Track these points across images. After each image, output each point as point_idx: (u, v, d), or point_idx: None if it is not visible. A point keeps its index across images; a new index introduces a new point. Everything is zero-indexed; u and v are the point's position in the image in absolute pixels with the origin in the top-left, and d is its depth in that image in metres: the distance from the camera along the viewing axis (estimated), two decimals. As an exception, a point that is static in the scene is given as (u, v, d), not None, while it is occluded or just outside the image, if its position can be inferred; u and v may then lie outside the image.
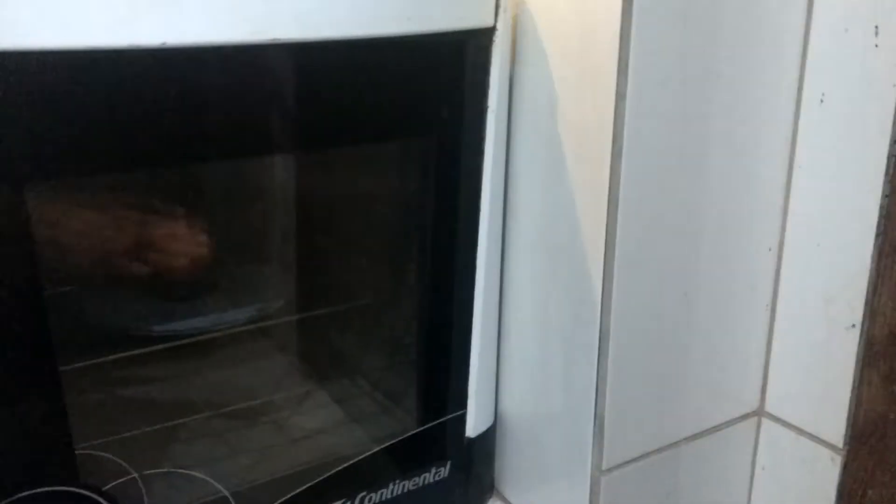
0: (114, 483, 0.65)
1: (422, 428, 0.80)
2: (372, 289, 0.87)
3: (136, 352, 0.70)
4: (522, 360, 0.81)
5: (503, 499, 0.87)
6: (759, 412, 0.83)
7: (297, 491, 0.73)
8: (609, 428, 0.71)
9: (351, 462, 0.76)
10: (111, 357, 0.68)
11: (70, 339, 0.61)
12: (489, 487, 0.88)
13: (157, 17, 0.50)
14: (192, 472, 0.71)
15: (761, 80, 0.71)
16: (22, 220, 0.53)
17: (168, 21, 0.51)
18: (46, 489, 0.61)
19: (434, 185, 0.71)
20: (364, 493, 0.77)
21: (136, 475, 0.67)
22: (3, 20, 0.47)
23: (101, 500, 0.64)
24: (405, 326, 0.83)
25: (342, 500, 0.76)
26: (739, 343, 0.79)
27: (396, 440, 0.79)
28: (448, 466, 0.81)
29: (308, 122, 0.62)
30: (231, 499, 0.71)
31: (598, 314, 0.69)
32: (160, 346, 0.71)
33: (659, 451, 0.77)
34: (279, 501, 0.72)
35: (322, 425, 0.84)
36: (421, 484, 0.81)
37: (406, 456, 0.79)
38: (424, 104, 0.67)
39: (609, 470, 0.74)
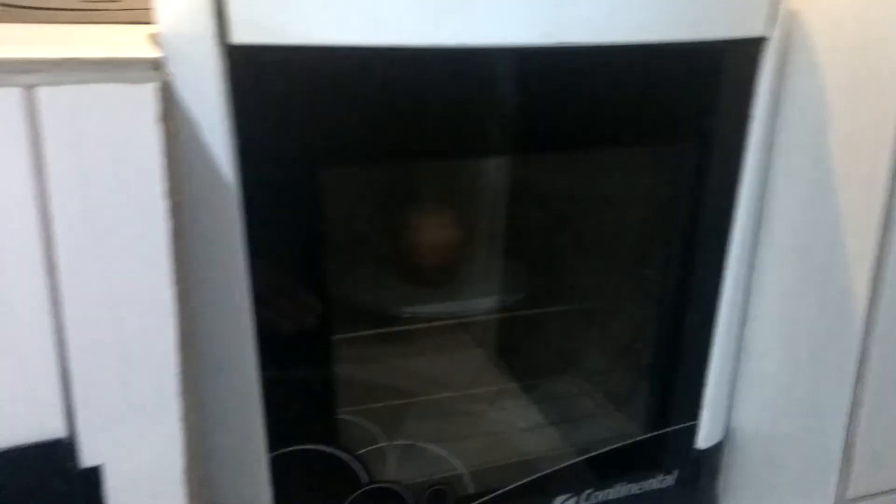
0: (364, 449, 0.70)
1: (650, 434, 0.80)
2: (607, 290, 0.88)
3: (391, 329, 0.75)
4: (762, 375, 0.79)
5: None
6: None
7: (527, 480, 0.75)
8: (859, 455, 0.68)
9: (579, 459, 0.77)
10: (369, 332, 0.73)
11: (339, 312, 0.66)
12: (713, 501, 0.86)
13: (457, 19, 0.54)
14: (434, 447, 0.75)
15: None
16: (316, 200, 0.58)
17: (466, 23, 0.54)
18: (310, 447, 0.66)
19: (689, 191, 0.71)
20: (590, 490, 0.78)
21: (385, 444, 0.72)
22: (324, 19, 0.52)
23: (354, 462, 0.69)
24: (637, 331, 0.83)
25: (569, 494, 0.77)
26: None
27: (624, 443, 0.79)
28: (675, 475, 0.81)
29: (581, 123, 0.64)
30: (467, 477, 0.74)
31: (859, 337, 0.66)
32: (413, 326, 0.75)
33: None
34: (510, 487, 0.75)
35: (543, 420, 0.85)
36: (646, 489, 0.81)
37: (633, 460, 0.80)
38: (691, 110, 0.67)
39: (854, 500, 0.70)
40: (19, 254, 0.44)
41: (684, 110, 0.67)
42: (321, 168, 0.57)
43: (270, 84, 0.53)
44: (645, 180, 0.78)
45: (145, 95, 0.44)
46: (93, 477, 0.50)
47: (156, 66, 0.45)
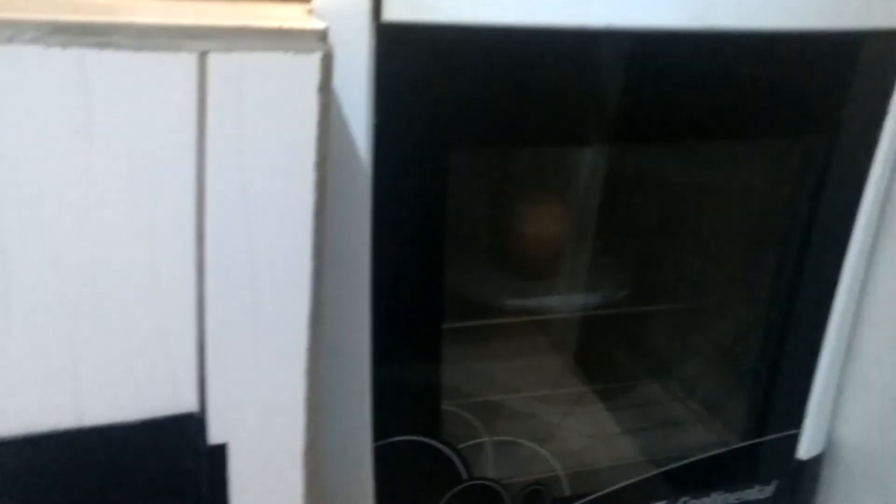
0: (465, 444, 0.69)
1: (749, 442, 0.77)
2: (711, 290, 0.86)
3: (495, 321, 0.73)
4: (872, 383, 0.76)
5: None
6: None
7: (622, 485, 0.74)
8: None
9: (674, 466, 0.75)
10: (476, 323, 0.72)
11: (450, 301, 0.65)
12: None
13: (605, 1, 0.53)
14: (532, 446, 0.73)
15: None
16: (444, 184, 0.57)
17: (614, 5, 0.53)
18: (414, 438, 0.65)
19: (812, 187, 0.69)
20: (686, 499, 0.76)
21: (485, 439, 0.70)
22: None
23: (454, 456, 0.67)
24: (740, 333, 0.81)
25: (664, 501, 0.75)
26: None
27: (721, 451, 0.77)
28: (774, 486, 0.78)
29: (718, 111, 0.62)
30: (564, 479, 0.72)
31: None
32: (516, 320, 0.73)
33: None
34: (605, 491, 0.73)
35: (637, 424, 0.83)
36: (743, 500, 0.78)
37: (730, 469, 0.77)
38: (826, 102, 0.65)
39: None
40: (173, 222, 0.44)
41: (819, 102, 0.65)
42: (453, 150, 0.56)
43: (416, 62, 0.53)
44: (765, 174, 0.75)
45: (311, 65, 0.43)
46: (219, 454, 0.49)
47: (322, 37, 0.44)
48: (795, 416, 0.77)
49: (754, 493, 0.78)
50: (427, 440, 0.65)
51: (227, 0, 0.58)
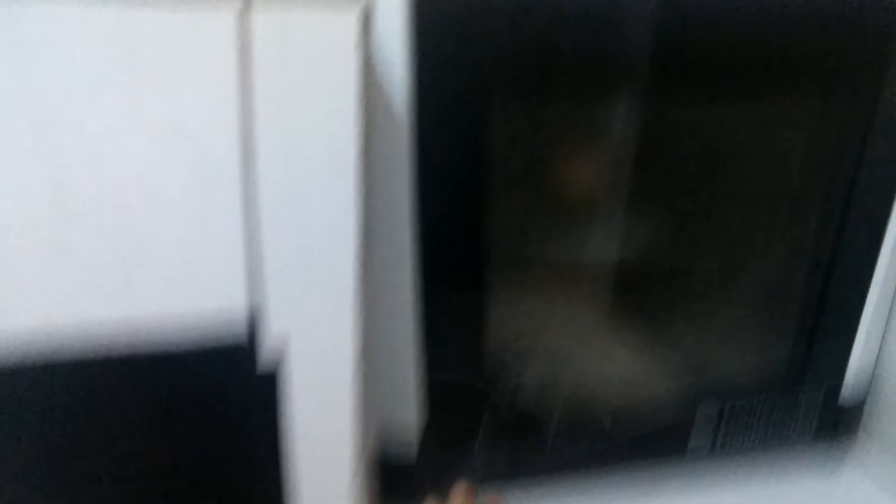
0: (508, 383, 0.72)
1: (791, 390, 0.79)
2: (751, 244, 0.86)
3: (532, 272, 0.76)
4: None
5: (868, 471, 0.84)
6: None
7: (663, 422, 0.76)
8: None
9: (714, 407, 0.78)
10: (515, 273, 0.74)
11: (491, 250, 0.68)
12: (850, 459, 0.85)
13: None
14: (572, 386, 0.76)
15: None
16: (485, 137, 0.59)
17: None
18: (459, 377, 0.69)
19: (858, 141, 0.69)
20: (726, 438, 0.78)
21: (528, 379, 0.74)
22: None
23: (497, 393, 0.71)
24: (781, 286, 0.82)
25: (704, 439, 0.78)
26: None
27: (762, 396, 0.78)
28: (814, 432, 0.80)
29: (759, 68, 0.63)
30: (605, 418, 0.75)
31: None
32: (555, 269, 0.76)
33: None
34: (646, 427, 0.76)
35: (676, 367, 0.85)
36: (783, 444, 0.80)
37: (770, 414, 0.79)
38: (867, 57, 0.65)
39: None
40: (221, 165, 0.47)
41: (863, 57, 0.65)
42: (495, 102, 0.58)
43: (452, 17, 0.54)
44: (810, 129, 0.75)
45: (349, 23, 0.45)
46: (270, 381, 0.53)
47: (359, -4, 0.46)
48: (839, 366, 0.78)
49: (794, 437, 0.80)
50: (471, 379, 0.69)
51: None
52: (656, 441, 0.77)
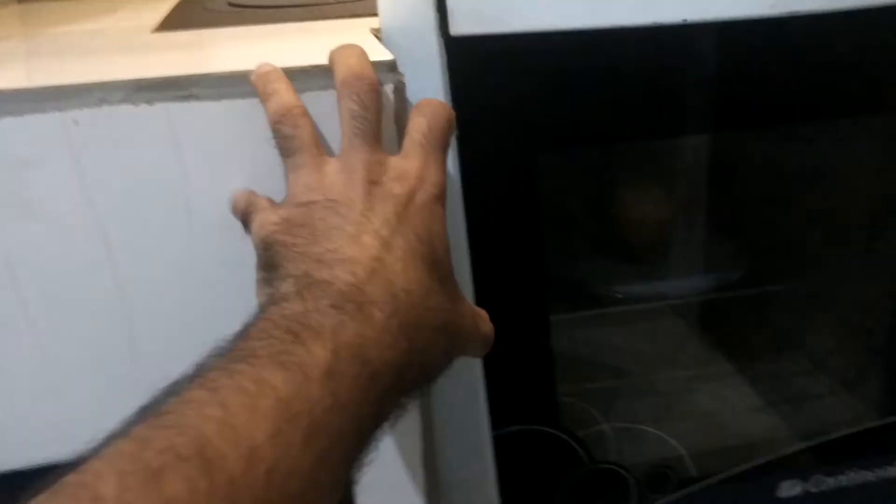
0: (584, 431, 0.70)
1: (886, 419, 0.75)
2: (831, 270, 0.83)
3: (605, 310, 0.75)
4: None
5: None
6: None
7: (751, 464, 0.73)
8: None
9: (805, 443, 0.74)
10: (584, 313, 0.73)
11: (556, 292, 0.67)
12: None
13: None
14: (652, 429, 0.74)
15: None
16: (534, 184, 0.58)
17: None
18: (533, 427, 0.67)
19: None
20: (819, 476, 0.75)
21: (606, 426, 0.72)
22: (543, 4, 0.52)
23: (576, 443, 0.69)
24: (869, 309, 0.78)
25: (795, 479, 0.74)
26: None
27: (857, 429, 0.75)
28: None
29: (812, 94, 0.61)
30: (688, 459, 0.73)
31: None
32: (627, 307, 0.74)
33: None
34: (732, 472, 0.73)
35: (763, 402, 0.82)
36: (881, 477, 0.76)
37: (866, 446, 0.75)
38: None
39: None
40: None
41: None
42: (540, 153, 0.57)
43: (489, 74, 0.53)
44: (881, 149, 0.72)
45: (385, 97, 0.45)
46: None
47: (392, 67, 0.46)
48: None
49: (893, 470, 0.76)
50: (545, 428, 0.68)
51: (296, 20, 0.61)
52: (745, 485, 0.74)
